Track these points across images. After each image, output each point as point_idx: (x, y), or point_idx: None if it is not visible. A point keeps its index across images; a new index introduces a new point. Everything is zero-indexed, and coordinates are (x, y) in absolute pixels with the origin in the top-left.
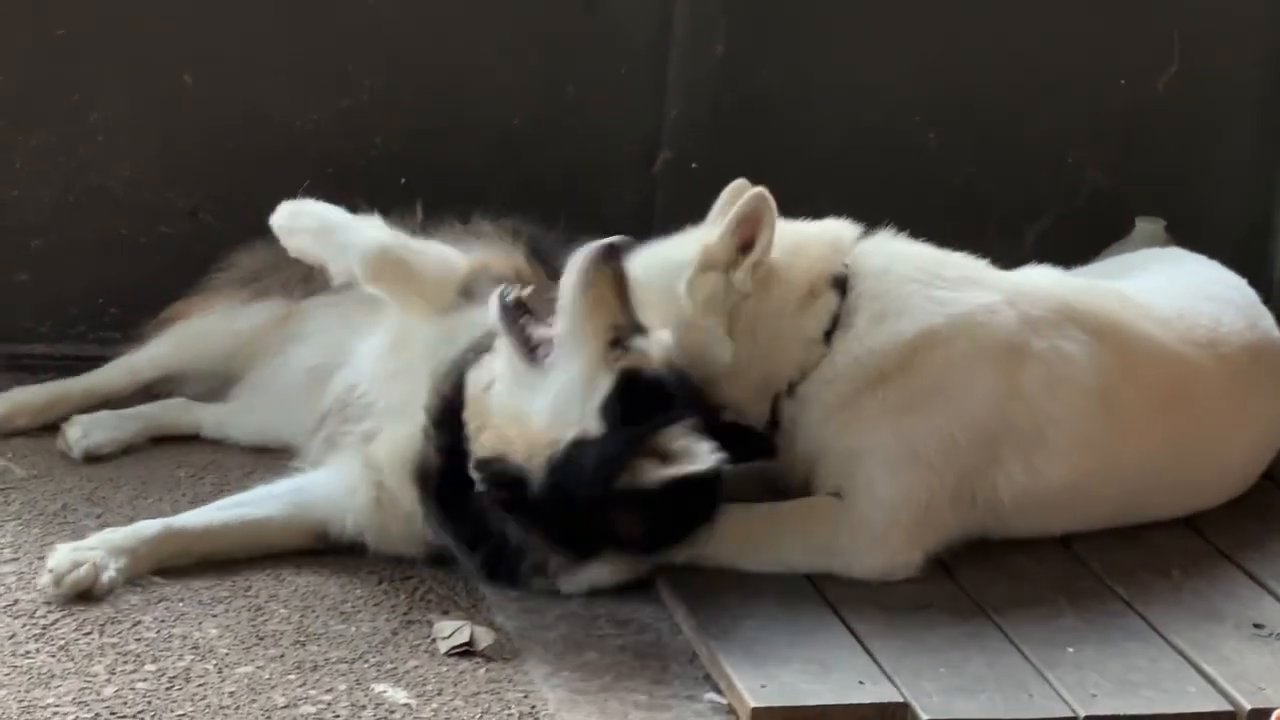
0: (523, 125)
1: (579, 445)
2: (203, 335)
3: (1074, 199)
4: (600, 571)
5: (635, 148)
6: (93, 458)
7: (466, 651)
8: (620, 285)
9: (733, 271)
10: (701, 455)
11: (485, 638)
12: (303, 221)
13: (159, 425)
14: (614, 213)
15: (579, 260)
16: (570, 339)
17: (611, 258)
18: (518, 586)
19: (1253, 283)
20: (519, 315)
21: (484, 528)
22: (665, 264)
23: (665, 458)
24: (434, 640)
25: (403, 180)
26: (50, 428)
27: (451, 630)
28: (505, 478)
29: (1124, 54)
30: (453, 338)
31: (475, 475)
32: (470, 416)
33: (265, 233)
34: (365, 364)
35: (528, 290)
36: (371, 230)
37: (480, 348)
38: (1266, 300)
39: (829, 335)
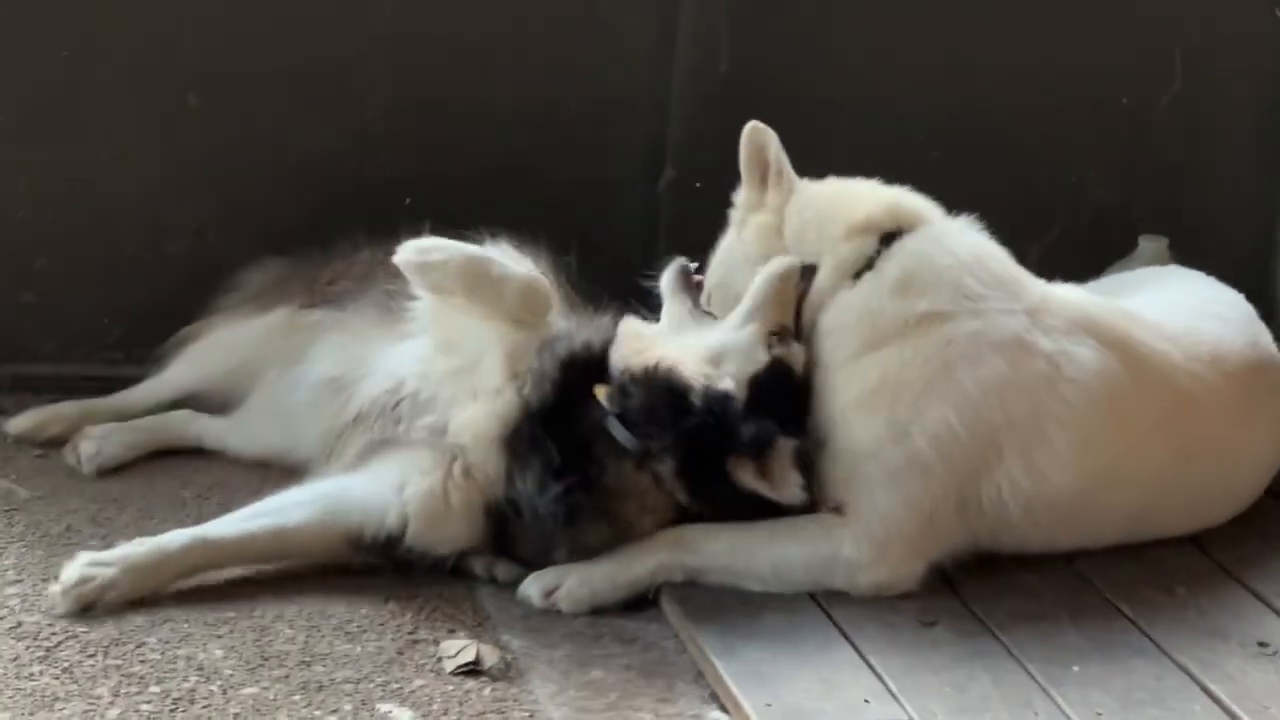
0: (527, 143)
1: (726, 398)
2: (213, 354)
3: (1077, 216)
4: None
5: (639, 165)
6: (104, 472)
7: (472, 671)
8: (800, 300)
9: (765, 197)
10: (791, 488)
11: (491, 657)
12: (438, 256)
13: (164, 437)
14: (619, 231)
15: (785, 261)
16: (752, 310)
17: (806, 277)
18: (579, 531)
19: (1255, 299)
20: (689, 281)
21: (584, 463)
22: (717, 256)
23: (767, 470)
24: (439, 660)
25: (407, 199)
26: (54, 448)
27: (457, 649)
28: (669, 382)
29: (1126, 72)
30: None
31: (636, 386)
32: (629, 347)
33: (272, 250)
34: (410, 366)
35: (694, 265)
36: (519, 264)
37: (582, 330)
38: (1269, 316)
39: (859, 277)
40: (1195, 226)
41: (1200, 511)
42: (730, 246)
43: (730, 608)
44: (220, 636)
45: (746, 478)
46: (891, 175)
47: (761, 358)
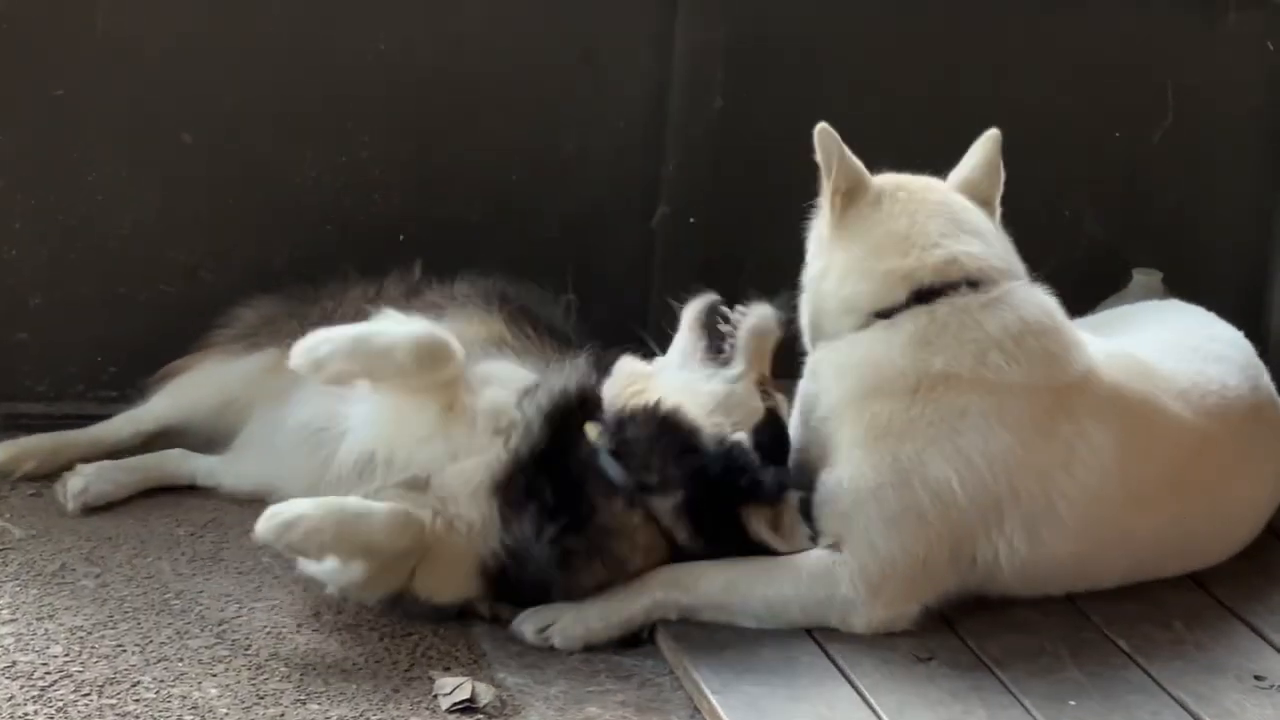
0: (521, 180)
1: (740, 447)
2: (198, 387)
3: (1071, 250)
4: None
5: (633, 202)
6: (89, 509)
7: (468, 708)
8: (774, 350)
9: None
10: (800, 540)
11: (486, 694)
12: (325, 349)
13: (159, 475)
14: (613, 267)
15: (762, 311)
16: (745, 362)
17: (782, 325)
18: (574, 577)
19: (1250, 333)
20: (711, 321)
21: (575, 505)
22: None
23: (779, 522)
24: (435, 697)
25: (401, 236)
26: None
27: (453, 687)
28: (670, 422)
29: (1119, 106)
30: (495, 380)
31: (630, 423)
32: (626, 386)
33: (265, 288)
34: (378, 429)
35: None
36: (403, 325)
37: (563, 374)
38: (1264, 351)
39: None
40: (1189, 260)
41: (1197, 556)
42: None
43: (726, 643)
44: (215, 675)
45: (760, 528)
46: None
47: (759, 407)
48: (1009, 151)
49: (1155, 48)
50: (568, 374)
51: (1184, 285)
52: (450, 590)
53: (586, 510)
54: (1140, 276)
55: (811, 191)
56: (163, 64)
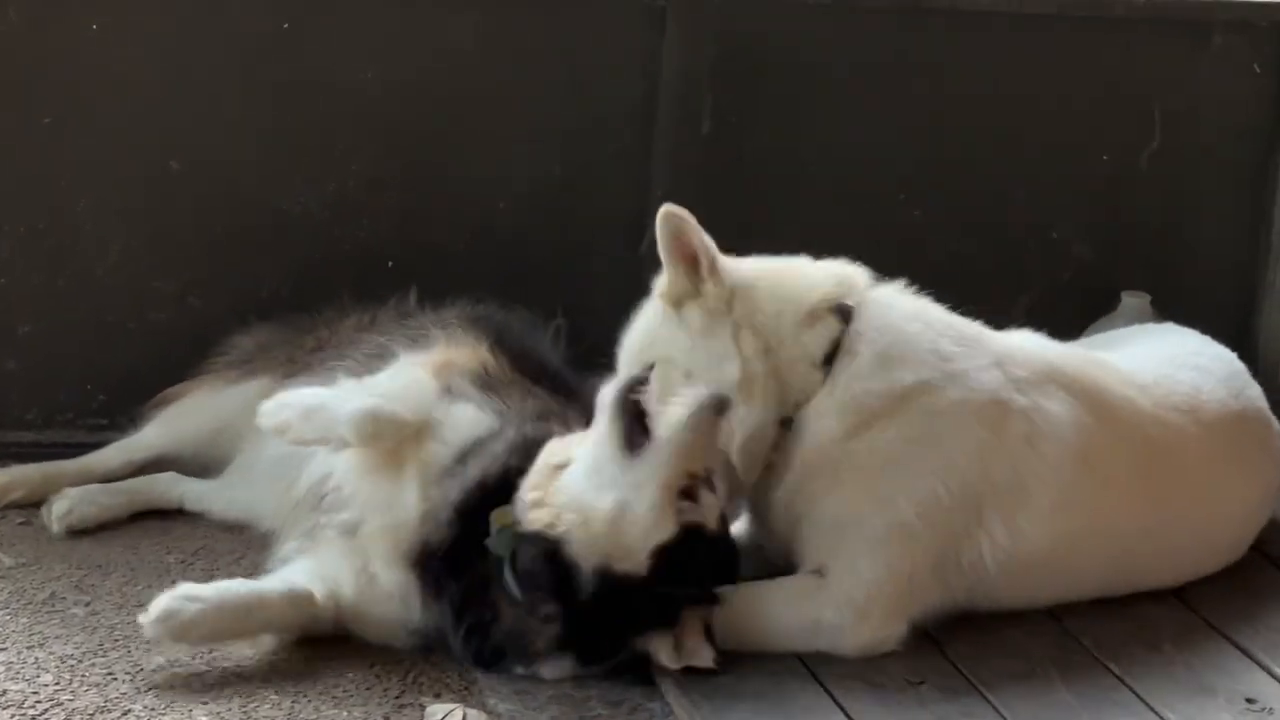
0: (509, 206)
1: (627, 580)
2: (190, 416)
3: (1059, 274)
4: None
5: (622, 228)
6: (75, 533)
7: None
8: (713, 439)
9: (703, 287)
10: (703, 659)
11: None
12: (284, 415)
13: (146, 499)
14: (602, 293)
15: (693, 401)
16: (655, 470)
17: (719, 412)
18: (496, 669)
19: (1239, 355)
20: (630, 411)
21: (480, 606)
22: (645, 323)
23: (678, 644)
24: None
25: (389, 263)
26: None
27: (443, 714)
28: (556, 559)
29: (1106, 129)
30: (440, 434)
31: (525, 545)
32: (532, 486)
33: (255, 315)
34: (337, 457)
35: (646, 390)
36: (353, 399)
37: (492, 451)
38: (1255, 373)
39: (829, 361)
40: (1177, 283)
41: (1180, 563)
42: (664, 325)
43: (715, 670)
44: (205, 703)
45: (657, 653)
46: (872, 236)
47: (668, 527)
48: (999, 174)
49: (1142, 71)
50: (495, 452)
51: (1173, 308)
52: (379, 639)
53: (492, 615)
54: (1129, 299)
55: (800, 215)
56: (150, 92)
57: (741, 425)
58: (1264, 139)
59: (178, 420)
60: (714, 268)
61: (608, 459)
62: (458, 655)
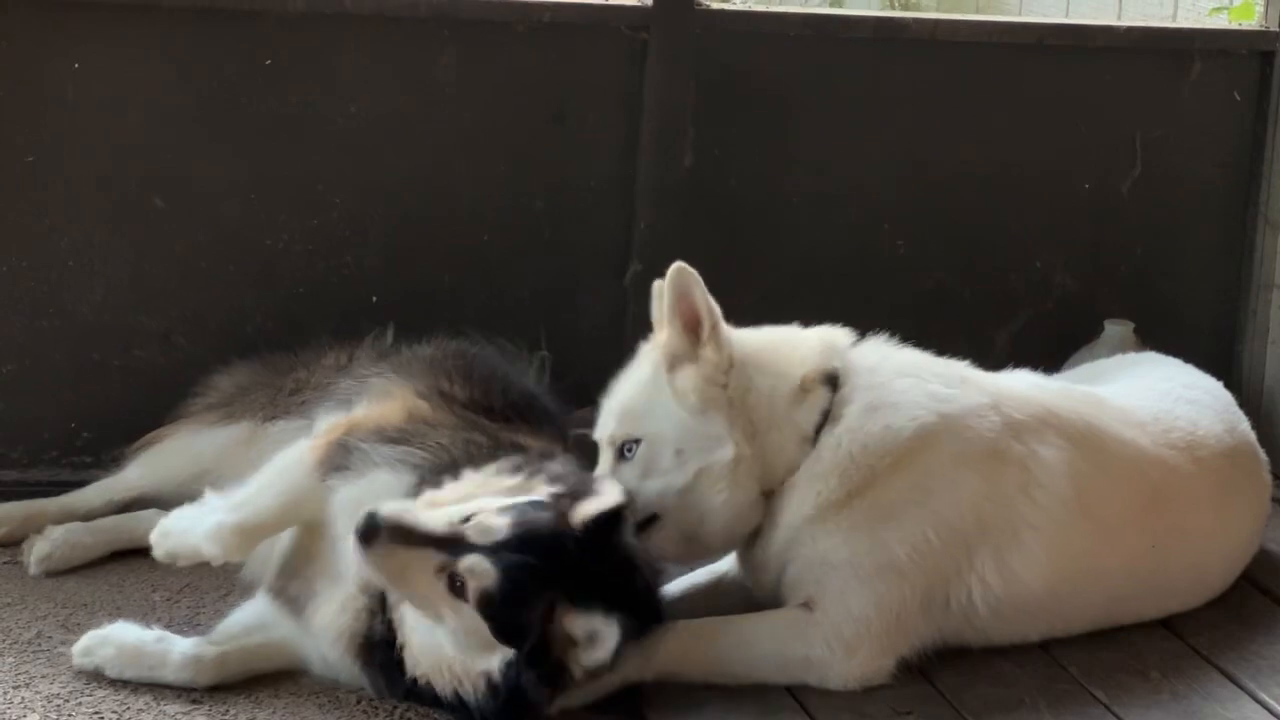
0: (493, 240)
1: (491, 684)
2: (171, 458)
3: (1043, 302)
4: None
5: (606, 260)
6: (54, 574)
7: None
8: (407, 539)
9: (700, 353)
10: (606, 641)
11: None
12: (163, 546)
13: (130, 537)
14: (586, 325)
15: (353, 547)
16: (415, 604)
17: (370, 538)
18: None
19: (1222, 383)
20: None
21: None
22: (638, 386)
23: (575, 642)
24: None
25: (374, 298)
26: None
27: None
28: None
29: (1087, 158)
30: (331, 532)
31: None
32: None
33: (239, 353)
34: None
35: (402, 517)
36: (212, 515)
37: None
38: (1240, 401)
39: (818, 431)
40: (1160, 311)
41: (1171, 598)
42: (658, 394)
43: (706, 701)
44: None
45: (579, 671)
46: (856, 266)
47: (469, 617)
48: (982, 204)
49: (1123, 100)
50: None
51: (1155, 336)
52: None
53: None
54: (1112, 328)
55: (784, 247)
56: (134, 130)
57: (725, 508)
58: (1244, 167)
59: (158, 462)
60: (715, 333)
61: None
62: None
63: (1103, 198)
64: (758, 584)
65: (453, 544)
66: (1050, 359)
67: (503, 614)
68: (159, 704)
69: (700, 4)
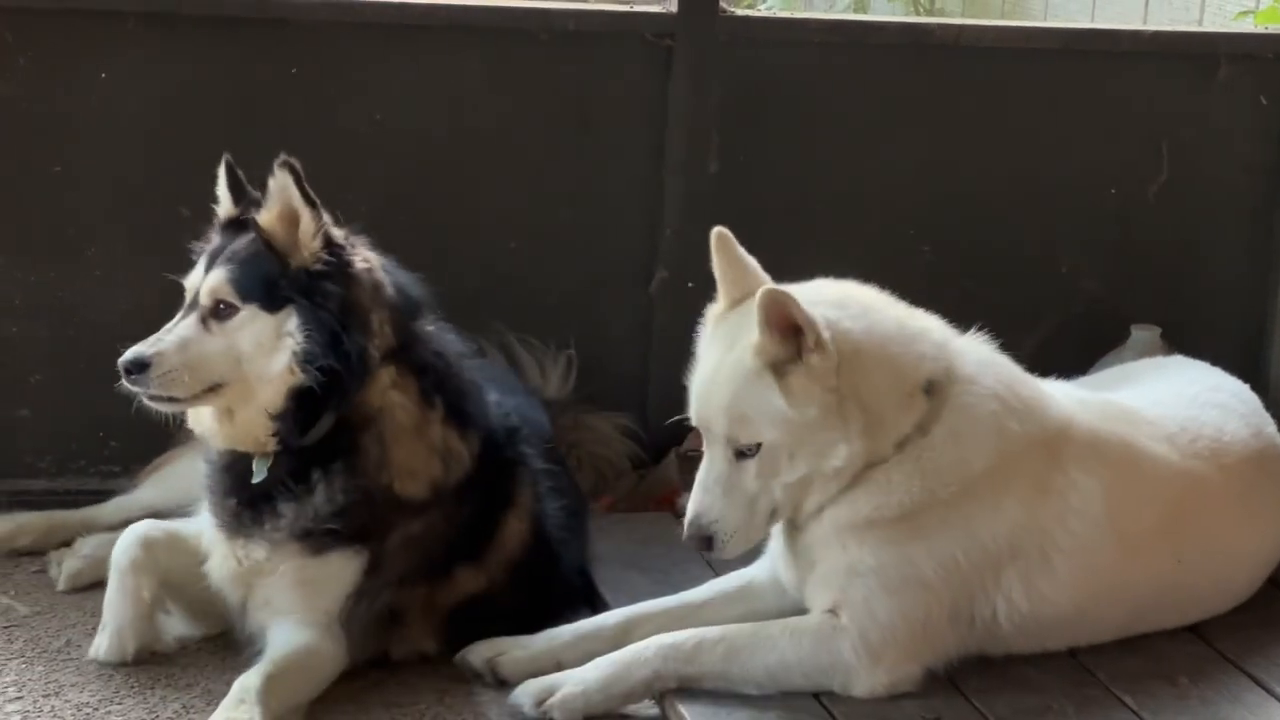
0: (519, 247)
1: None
2: (180, 479)
3: (1070, 308)
4: None
5: (632, 267)
6: (79, 589)
7: None
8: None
9: (804, 357)
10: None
11: None
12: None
13: None
14: (613, 332)
15: None
16: None
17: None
18: None
19: (1250, 386)
20: None
21: None
22: (746, 387)
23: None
24: None
25: None
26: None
27: None
28: None
29: (1114, 162)
30: None
31: None
32: None
33: None
34: None
35: None
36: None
37: None
38: (1266, 405)
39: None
40: (1187, 316)
41: (1197, 607)
42: (763, 393)
43: (732, 707)
44: None
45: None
46: (883, 272)
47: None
48: (1008, 209)
49: (1148, 104)
50: None
51: (1182, 340)
52: None
53: None
54: (1139, 333)
55: (809, 252)
56: (159, 139)
57: (824, 492)
58: (1271, 170)
59: (171, 484)
60: (821, 342)
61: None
62: None
63: (1129, 202)
64: (793, 578)
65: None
66: (1078, 364)
67: None
68: (188, 713)
69: (725, 10)
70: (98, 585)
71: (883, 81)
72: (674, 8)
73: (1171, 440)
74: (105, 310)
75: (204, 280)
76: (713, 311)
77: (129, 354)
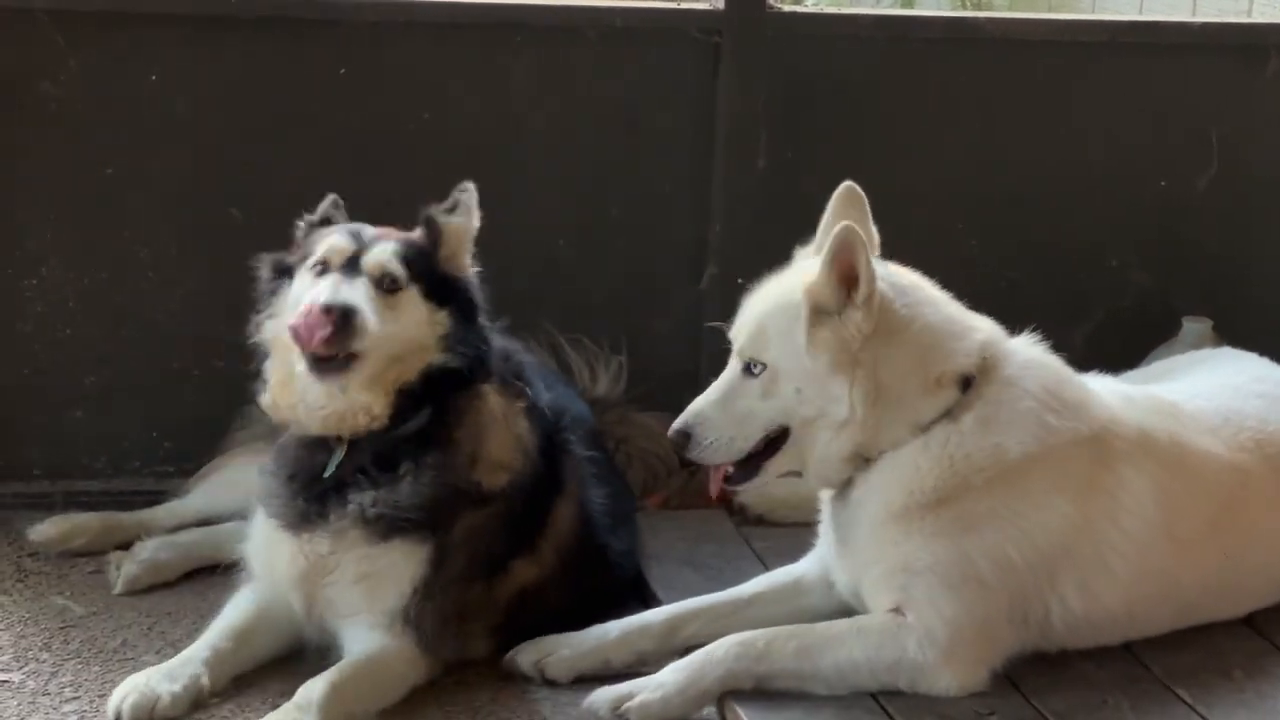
0: (569, 245)
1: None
2: (230, 487)
3: (1120, 300)
4: None
5: (681, 264)
6: (135, 592)
7: None
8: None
9: (847, 310)
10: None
11: None
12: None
13: (207, 553)
14: (663, 329)
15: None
16: None
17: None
18: None
19: None
20: None
21: None
22: (780, 312)
23: None
24: None
25: None
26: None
27: None
28: None
29: (1163, 155)
30: None
31: None
32: None
33: None
34: None
35: None
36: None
37: None
38: None
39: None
40: (1237, 307)
41: (1248, 598)
42: (794, 330)
43: (787, 704)
44: None
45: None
46: (931, 267)
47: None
48: (1056, 202)
49: (1197, 96)
50: None
51: (1234, 332)
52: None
53: None
54: (1190, 325)
55: None
56: (210, 140)
57: (824, 448)
58: None
59: (219, 491)
60: (870, 300)
61: None
62: None
63: (1178, 194)
64: (841, 558)
65: None
66: (1128, 357)
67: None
68: (243, 713)
69: (772, 6)
70: (154, 589)
71: (930, 76)
72: (721, 4)
73: (1215, 433)
74: (158, 311)
75: (370, 255)
76: (802, 251)
77: None
